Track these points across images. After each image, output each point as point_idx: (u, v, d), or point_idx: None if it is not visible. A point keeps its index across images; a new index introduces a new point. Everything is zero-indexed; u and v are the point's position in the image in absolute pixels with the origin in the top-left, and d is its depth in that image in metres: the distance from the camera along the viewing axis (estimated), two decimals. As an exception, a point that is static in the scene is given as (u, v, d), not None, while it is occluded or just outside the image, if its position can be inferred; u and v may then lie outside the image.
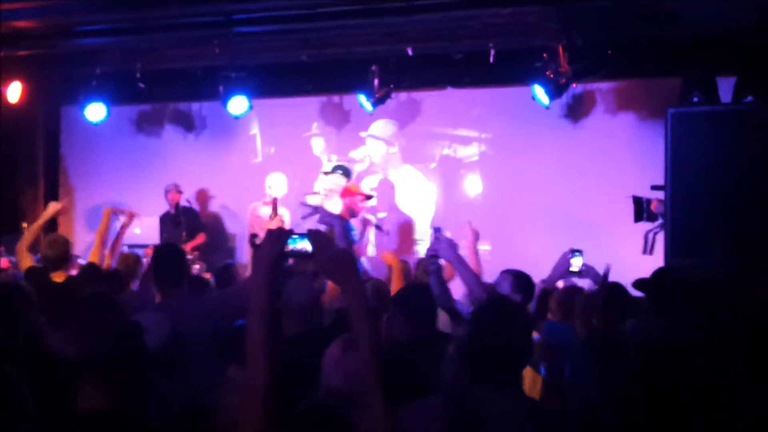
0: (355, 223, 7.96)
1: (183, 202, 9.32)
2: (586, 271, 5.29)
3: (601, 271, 5.00)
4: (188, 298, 4.63)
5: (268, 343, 2.19)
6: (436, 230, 4.58)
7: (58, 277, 5.45)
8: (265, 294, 2.22)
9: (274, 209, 8.43)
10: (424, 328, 4.00)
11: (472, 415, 2.73)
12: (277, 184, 8.92)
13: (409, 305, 4.07)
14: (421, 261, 6.35)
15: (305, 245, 2.25)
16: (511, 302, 3.15)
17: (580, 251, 6.23)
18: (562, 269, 5.18)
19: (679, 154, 6.70)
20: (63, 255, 5.66)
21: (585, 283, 5.73)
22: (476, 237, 6.68)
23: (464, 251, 6.05)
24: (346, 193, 8.12)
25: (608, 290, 4.86)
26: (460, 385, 2.89)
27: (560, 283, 5.88)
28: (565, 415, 3.19)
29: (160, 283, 4.62)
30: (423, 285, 4.59)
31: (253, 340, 2.19)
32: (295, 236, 2.26)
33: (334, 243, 2.14)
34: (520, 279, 4.86)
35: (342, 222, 7.22)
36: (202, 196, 9.91)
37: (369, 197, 8.19)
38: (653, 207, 7.00)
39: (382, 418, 2.15)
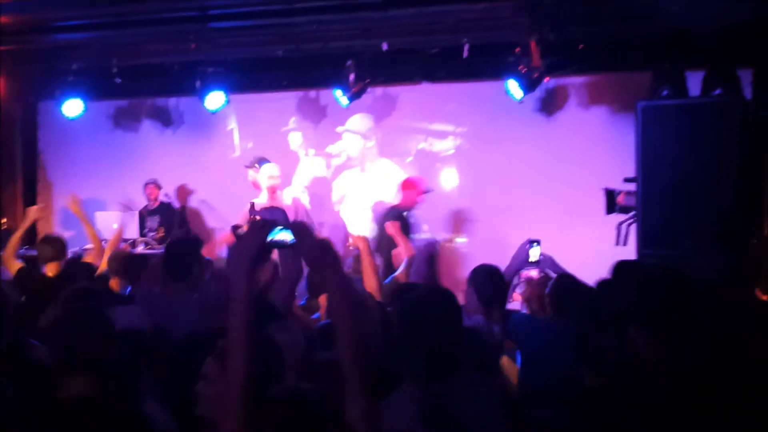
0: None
1: (162, 198, 9.38)
2: (543, 261, 5.37)
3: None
4: (188, 293, 4.69)
5: (249, 333, 2.20)
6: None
7: (50, 270, 5.54)
8: (246, 284, 2.24)
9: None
10: None
11: (436, 404, 2.79)
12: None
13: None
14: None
15: (287, 236, 2.27)
16: (431, 290, 3.17)
17: (537, 241, 6.34)
18: (521, 259, 5.26)
19: (650, 147, 6.80)
20: (58, 253, 5.79)
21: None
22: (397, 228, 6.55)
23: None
24: (407, 185, 8.20)
25: (557, 282, 4.94)
26: (419, 375, 2.94)
27: (534, 274, 5.96)
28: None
29: (167, 275, 4.70)
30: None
31: (234, 329, 2.20)
32: (277, 227, 2.28)
33: (315, 234, 2.19)
34: (475, 273, 4.90)
35: (284, 215, 7.18)
36: (182, 192, 9.95)
37: (428, 191, 8.28)
38: (620, 199, 7.09)
39: (364, 409, 2.17)
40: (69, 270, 5.57)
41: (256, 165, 8.62)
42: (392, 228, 6.35)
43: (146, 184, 9.32)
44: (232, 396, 2.18)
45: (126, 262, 5.87)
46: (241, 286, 2.24)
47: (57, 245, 5.93)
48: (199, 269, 4.89)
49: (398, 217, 7.81)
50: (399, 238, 6.17)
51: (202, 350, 3.11)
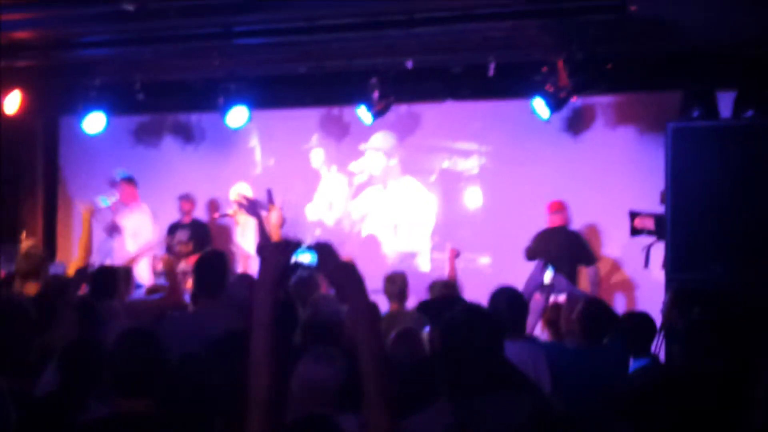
0: None
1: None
2: (557, 283, 5.27)
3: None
4: (218, 308, 4.62)
5: (273, 354, 2.21)
6: None
7: (30, 289, 5.46)
8: (270, 305, 2.24)
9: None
10: None
11: (469, 422, 2.73)
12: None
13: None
14: None
15: (311, 257, 2.27)
16: (476, 310, 3.12)
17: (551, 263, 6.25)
18: (535, 282, 5.15)
19: (680, 169, 6.69)
20: (35, 268, 5.66)
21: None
22: (455, 254, 7.16)
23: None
24: (554, 208, 8.19)
25: (587, 306, 4.84)
26: (455, 392, 2.89)
27: (562, 299, 5.86)
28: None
29: (199, 290, 4.66)
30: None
31: (258, 350, 2.20)
32: (301, 248, 2.27)
33: (338, 255, 2.22)
34: (495, 296, 4.79)
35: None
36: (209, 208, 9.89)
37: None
38: (636, 223, 6.99)
39: (387, 429, 2.16)
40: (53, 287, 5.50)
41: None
42: (450, 254, 6.94)
43: (179, 199, 9.28)
44: (257, 418, 2.17)
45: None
46: (265, 307, 2.24)
47: (36, 260, 5.80)
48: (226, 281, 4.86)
49: (570, 237, 7.92)
50: (451, 264, 6.73)
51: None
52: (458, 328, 2.87)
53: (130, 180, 9.08)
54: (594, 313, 4.80)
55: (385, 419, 2.16)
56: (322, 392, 3.01)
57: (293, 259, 2.26)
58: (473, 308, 3.12)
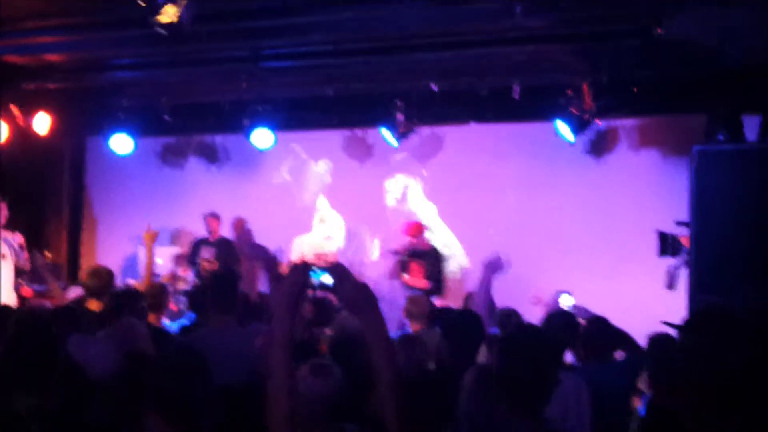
0: None
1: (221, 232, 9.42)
2: (576, 310, 5.27)
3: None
4: (234, 328, 4.66)
5: (290, 373, 2.25)
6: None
7: (93, 305, 5.47)
8: (287, 325, 2.28)
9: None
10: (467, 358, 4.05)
11: None
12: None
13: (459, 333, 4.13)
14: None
15: (327, 278, 2.32)
16: (540, 332, 3.16)
17: (567, 292, 6.25)
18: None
19: (704, 192, 6.68)
20: (105, 285, 5.67)
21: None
22: (492, 268, 6.37)
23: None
24: (410, 230, 8.45)
25: (590, 324, 4.86)
26: (484, 413, 2.90)
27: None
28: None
29: (213, 309, 4.68)
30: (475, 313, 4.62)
31: (276, 369, 2.24)
32: (317, 269, 2.34)
33: (354, 277, 2.27)
34: (552, 318, 4.80)
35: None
36: (237, 227, 9.95)
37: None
38: (684, 241, 6.97)
39: None
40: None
41: None
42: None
43: (206, 217, 9.34)
44: None
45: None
46: (283, 327, 2.29)
47: (105, 278, 5.81)
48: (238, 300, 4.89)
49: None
50: None
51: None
52: (522, 348, 2.89)
53: None
54: (597, 332, 4.82)
55: None
56: (322, 404, 3.03)
57: (315, 281, 2.32)
58: (536, 330, 3.15)
